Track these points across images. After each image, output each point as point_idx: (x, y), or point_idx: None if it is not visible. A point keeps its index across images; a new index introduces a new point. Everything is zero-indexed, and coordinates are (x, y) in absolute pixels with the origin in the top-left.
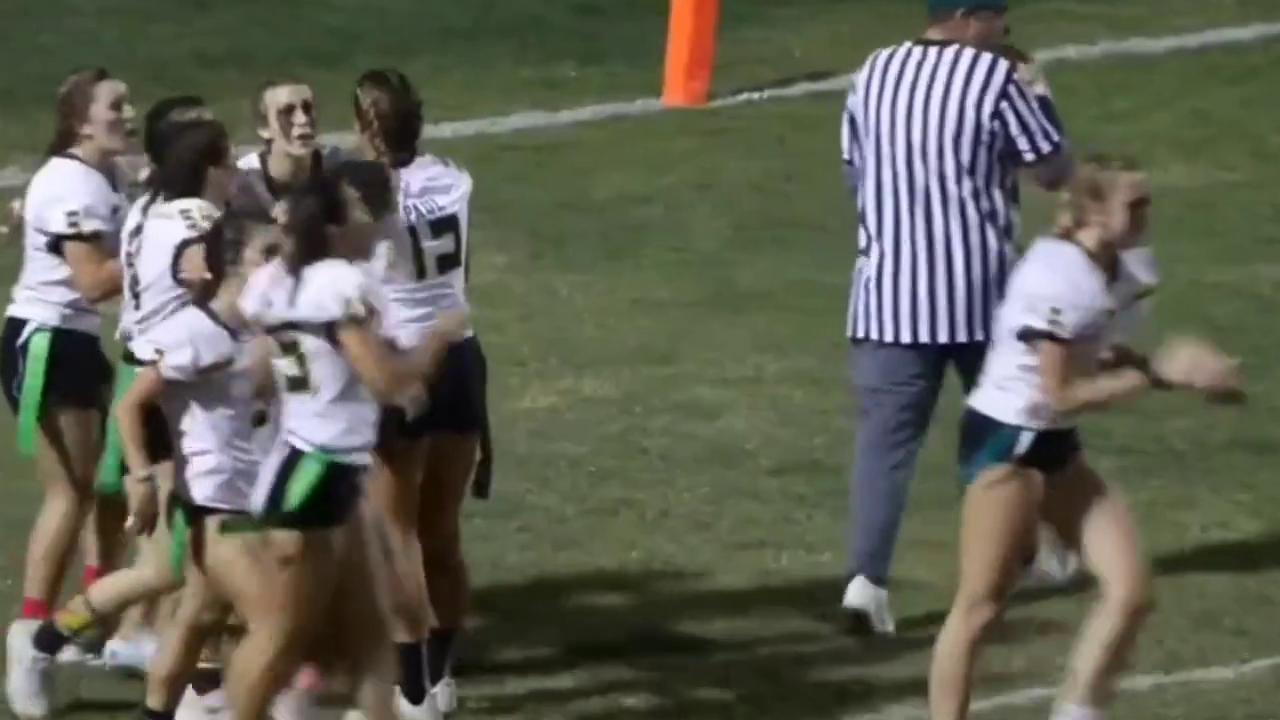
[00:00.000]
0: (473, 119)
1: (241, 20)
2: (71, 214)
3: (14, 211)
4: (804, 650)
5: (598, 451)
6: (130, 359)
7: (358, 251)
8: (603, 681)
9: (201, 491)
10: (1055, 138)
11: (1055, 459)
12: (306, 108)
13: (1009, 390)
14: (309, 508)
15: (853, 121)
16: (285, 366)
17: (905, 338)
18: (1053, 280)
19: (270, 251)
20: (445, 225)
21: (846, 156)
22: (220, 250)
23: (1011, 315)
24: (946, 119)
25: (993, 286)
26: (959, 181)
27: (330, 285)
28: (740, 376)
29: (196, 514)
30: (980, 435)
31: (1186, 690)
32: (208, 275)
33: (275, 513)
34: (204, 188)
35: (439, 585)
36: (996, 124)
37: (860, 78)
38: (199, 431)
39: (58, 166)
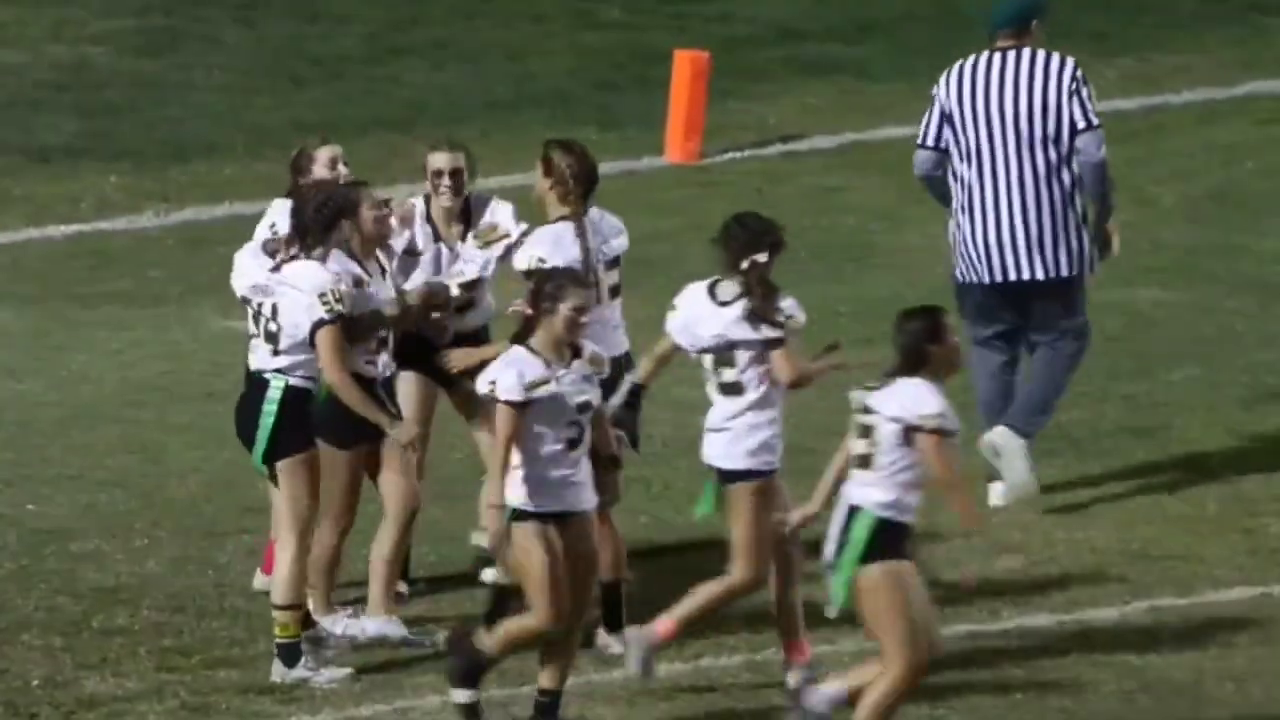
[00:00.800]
0: (514, 174)
1: (329, 94)
2: (273, 225)
3: None
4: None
5: None
6: (263, 385)
7: (950, 367)
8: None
9: (518, 497)
10: (1097, 118)
11: None
12: (455, 174)
13: None
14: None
15: (945, 115)
16: (858, 446)
17: (999, 278)
18: None
19: (579, 310)
20: (614, 263)
21: (931, 143)
22: (540, 299)
23: None
24: (1034, 103)
25: (1059, 235)
26: (1045, 151)
27: (915, 400)
28: None
29: (516, 515)
30: None
31: (1081, 626)
32: (529, 312)
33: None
34: (333, 240)
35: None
36: (1071, 104)
37: (949, 82)
38: (524, 449)
39: (276, 204)
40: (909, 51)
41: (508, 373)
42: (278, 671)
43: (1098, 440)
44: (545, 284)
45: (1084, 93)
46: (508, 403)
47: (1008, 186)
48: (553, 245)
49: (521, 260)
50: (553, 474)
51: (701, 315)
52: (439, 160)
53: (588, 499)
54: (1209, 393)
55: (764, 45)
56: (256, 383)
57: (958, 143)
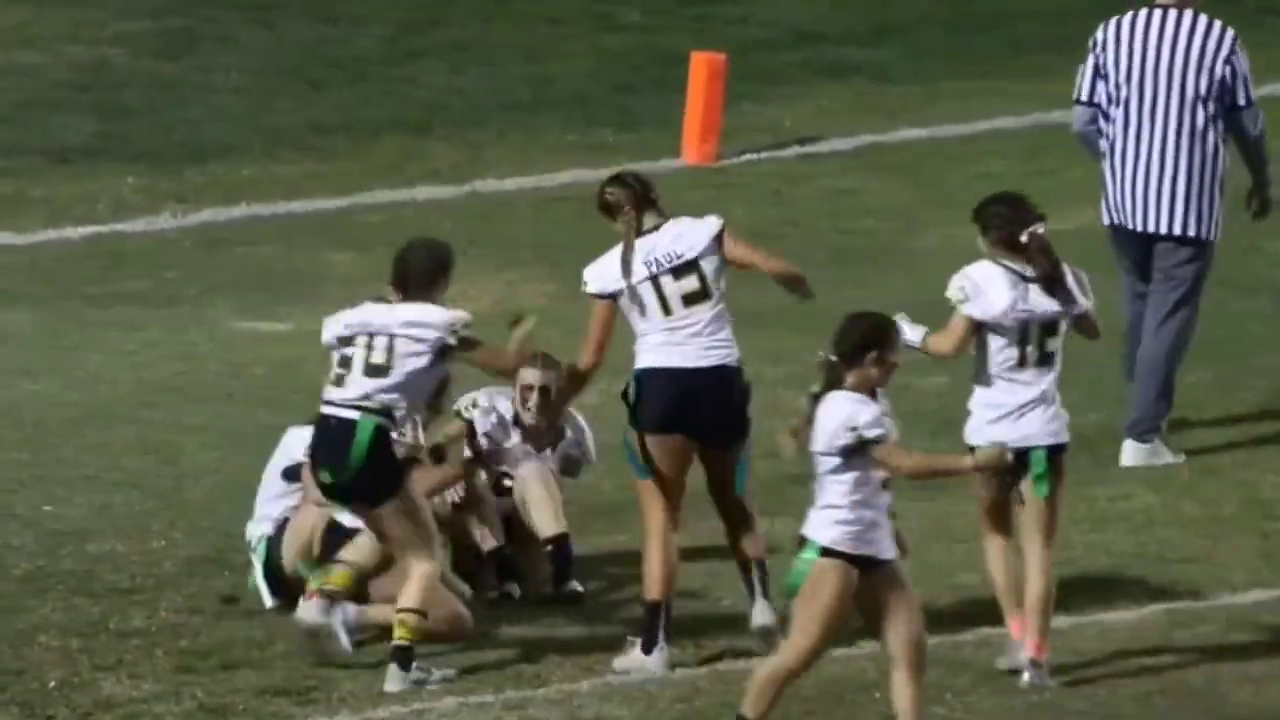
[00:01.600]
0: (531, 175)
1: (347, 96)
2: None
3: None
4: None
5: None
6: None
7: None
8: (631, 616)
9: (829, 536)
10: (1254, 96)
11: None
12: (544, 391)
13: None
14: None
15: (1097, 69)
16: None
17: (1129, 225)
18: None
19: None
20: (687, 269)
21: (1085, 98)
22: (865, 346)
23: None
24: (1190, 61)
25: (1192, 194)
26: (1194, 109)
27: None
28: None
29: (823, 553)
30: None
31: (1098, 629)
32: (834, 358)
33: None
34: (438, 293)
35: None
36: (1225, 71)
37: (1105, 34)
38: (837, 489)
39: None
40: (926, 54)
41: (864, 410)
42: (395, 678)
43: (1112, 442)
44: (870, 330)
45: (1244, 67)
46: (879, 438)
47: (1150, 137)
48: (597, 266)
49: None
50: (866, 516)
51: (1017, 291)
52: (528, 376)
53: (890, 547)
54: (1223, 395)
55: (781, 48)
56: (342, 424)
57: (1109, 92)
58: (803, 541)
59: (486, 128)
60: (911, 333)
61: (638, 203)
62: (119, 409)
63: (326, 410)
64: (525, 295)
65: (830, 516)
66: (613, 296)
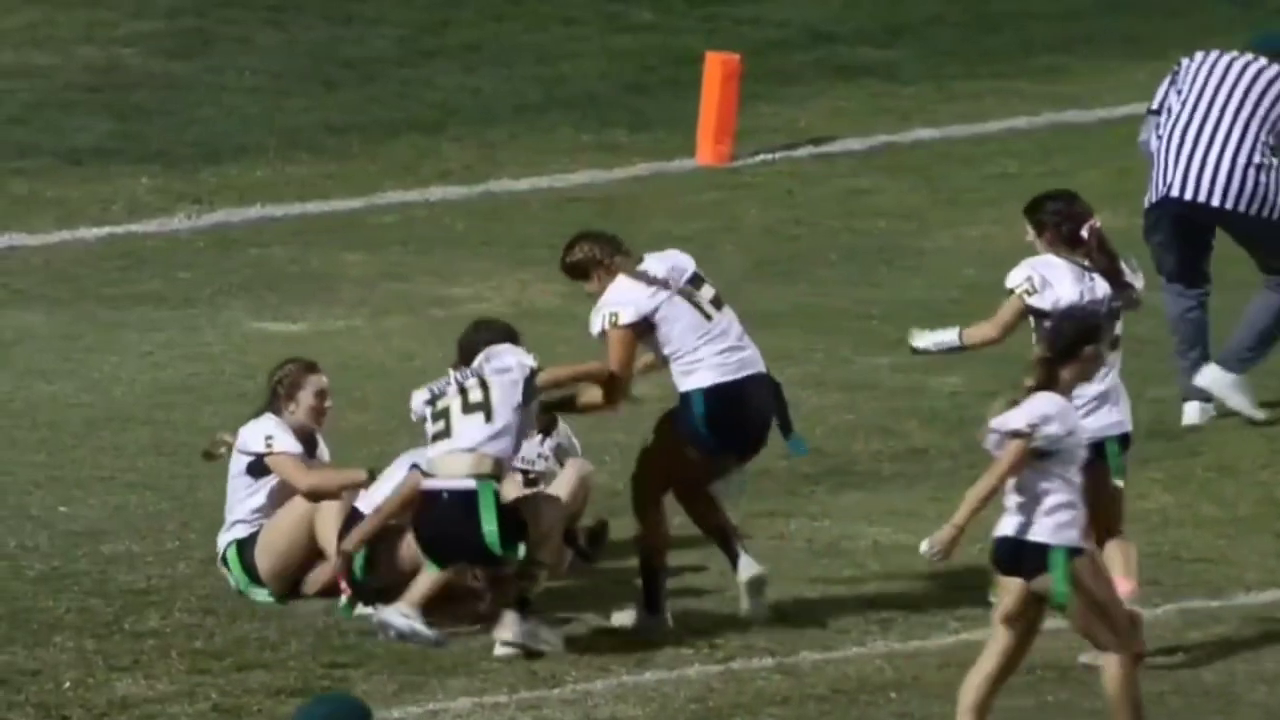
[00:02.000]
0: (544, 176)
1: (360, 96)
2: (268, 437)
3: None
4: (808, 595)
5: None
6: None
7: None
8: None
9: (1067, 537)
10: None
11: None
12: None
13: None
14: None
15: (1173, 79)
16: None
17: (1183, 195)
18: None
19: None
20: (699, 280)
21: (1157, 106)
22: (1077, 342)
23: None
24: (1266, 85)
25: (1247, 176)
26: (1260, 123)
27: None
28: None
29: (1070, 555)
30: None
31: None
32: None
33: None
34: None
35: None
36: None
37: (1191, 63)
38: (1059, 489)
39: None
40: (939, 54)
41: (1053, 422)
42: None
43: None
44: (1084, 330)
45: None
46: (1042, 448)
47: (1217, 122)
48: (618, 297)
49: (596, 323)
50: (1080, 509)
51: (1083, 283)
52: None
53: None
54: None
55: (795, 48)
56: (457, 496)
57: (1178, 89)
58: (1019, 546)
59: (499, 128)
60: (944, 336)
61: (616, 248)
62: (134, 410)
63: (434, 485)
64: (539, 295)
65: (1061, 519)
66: (645, 321)
